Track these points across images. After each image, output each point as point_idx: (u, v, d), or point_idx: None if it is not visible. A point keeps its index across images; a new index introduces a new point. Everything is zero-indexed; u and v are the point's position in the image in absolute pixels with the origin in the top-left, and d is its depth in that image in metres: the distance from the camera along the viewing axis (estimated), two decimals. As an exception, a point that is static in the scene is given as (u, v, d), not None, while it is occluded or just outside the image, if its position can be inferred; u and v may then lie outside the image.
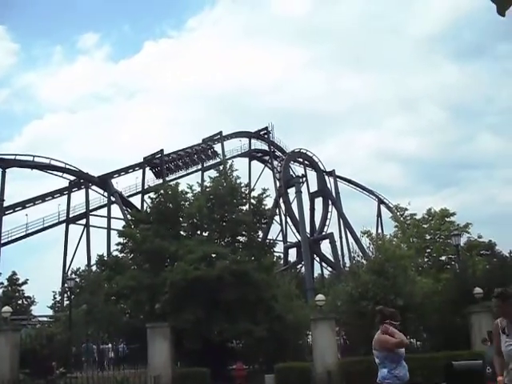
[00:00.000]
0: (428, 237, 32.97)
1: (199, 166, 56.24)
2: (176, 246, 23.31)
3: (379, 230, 55.28)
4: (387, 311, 6.58)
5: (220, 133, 58.35)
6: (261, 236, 28.12)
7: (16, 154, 47.92)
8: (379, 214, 65.27)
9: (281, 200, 58.31)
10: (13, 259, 54.56)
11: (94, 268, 38.22)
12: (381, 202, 65.92)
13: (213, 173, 29.45)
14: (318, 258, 57.40)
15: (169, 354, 20.10)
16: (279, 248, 49.27)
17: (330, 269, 56.60)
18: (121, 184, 52.23)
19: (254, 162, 62.81)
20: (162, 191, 26.44)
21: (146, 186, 51.10)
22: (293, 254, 57.65)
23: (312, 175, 62.52)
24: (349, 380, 18.15)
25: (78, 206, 51.40)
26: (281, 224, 59.85)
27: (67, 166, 49.73)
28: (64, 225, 50.42)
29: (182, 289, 21.31)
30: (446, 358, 15.95)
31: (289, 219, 59.14)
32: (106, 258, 29.70)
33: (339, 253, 55.06)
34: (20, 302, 48.38)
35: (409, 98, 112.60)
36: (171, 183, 31.87)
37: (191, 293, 21.28)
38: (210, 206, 25.00)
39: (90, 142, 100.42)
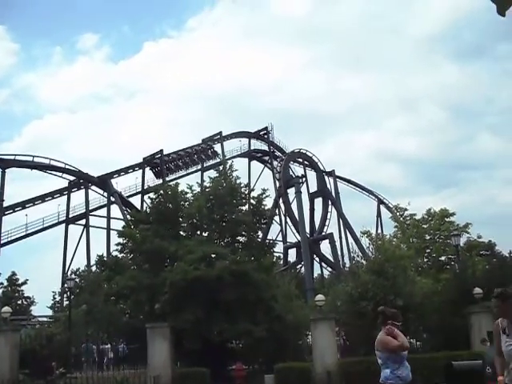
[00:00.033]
0: (428, 237, 32.97)
1: (199, 166, 56.25)
2: (176, 246, 23.30)
3: (379, 231, 55.33)
4: (389, 312, 6.58)
5: (220, 133, 58.36)
6: (260, 236, 28.13)
7: (16, 155, 48.01)
8: (379, 215, 65.30)
9: (280, 200, 58.31)
10: (13, 259, 54.75)
11: (93, 268, 38.21)
12: (380, 202, 65.94)
13: (212, 173, 29.48)
14: (317, 258, 57.41)
15: (168, 354, 20.09)
16: (279, 248, 49.33)
17: (329, 269, 56.62)
18: (120, 184, 52.34)
19: (254, 163, 62.87)
20: (161, 191, 26.43)
21: (145, 187, 51.12)
22: (292, 254, 57.73)
23: (312, 175, 62.62)
24: (348, 380, 18.14)
25: (77, 206, 51.49)
26: (280, 224, 59.91)
27: (67, 167, 49.75)
28: (64, 225, 50.44)
29: (182, 289, 21.30)
30: (445, 358, 15.95)
31: (288, 219, 59.15)
32: (105, 259, 29.70)
33: (339, 253, 55.04)
34: (20, 302, 48.42)
35: (409, 98, 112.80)
36: (171, 183, 31.88)
37: (191, 293, 21.28)
38: (209, 206, 24.99)
39: (89, 142, 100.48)
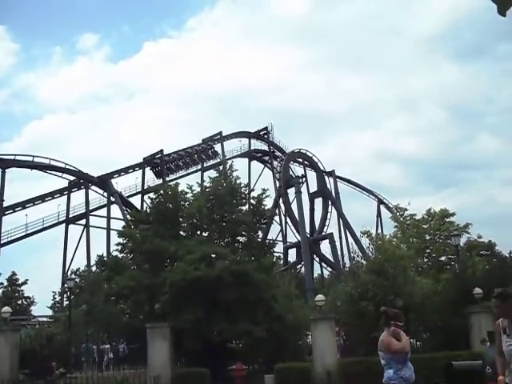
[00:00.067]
0: (428, 237, 32.96)
1: (199, 166, 56.25)
2: (176, 247, 23.30)
3: (379, 231, 55.32)
4: (391, 312, 6.58)
5: (220, 133, 58.37)
6: (260, 236, 28.11)
7: (16, 155, 47.99)
8: (379, 215, 65.31)
9: (280, 200, 58.30)
10: (13, 259, 54.73)
11: (93, 268, 38.24)
12: (380, 202, 65.95)
13: (213, 173, 29.47)
14: (317, 259, 57.41)
15: (168, 354, 20.09)
16: (279, 248, 49.33)
17: (329, 269, 56.63)
18: (120, 184, 52.34)
19: (254, 163, 62.88)
20: (161, 191, 26.42)
21: (145, 187, 51.12)
22: (292, 255, 57.74)
23: (312, 175, 62.63)
24: (348, 380, 18.14)
25: (77, 206, 51.50)
26: (280, 224, 59.92)
27: (67, 167, 49.75)
28: (64, 225, 50.45)
29: (182, 289, 21.30)
30: (445, 358, 15.95)
31: (288, 219, 59.15)
32: (105, 259, 29.74)
33: (339, 253, 55.04)
34: (20, 302, 48.44)
35: (409, 99, 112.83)
36: (171, 183, 31.87)
37: (191, 293, 21.27)
38: (209, 206, 24.99)
39: (89, 142, 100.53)
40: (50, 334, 25.25)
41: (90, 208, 51.33)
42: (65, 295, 42.43)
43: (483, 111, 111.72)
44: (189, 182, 28.36)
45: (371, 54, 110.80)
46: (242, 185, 26.47)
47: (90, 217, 51.47)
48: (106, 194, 51.05)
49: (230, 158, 46.99)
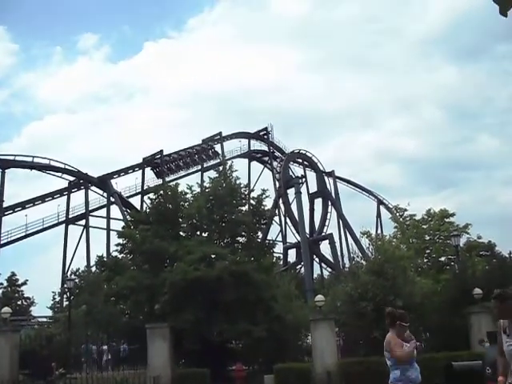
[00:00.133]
0: (427, 237, 32.95)
1: (199, 167, 56.27)
2: (175, 247, 23.30)
3: (379, 231, 55.34)
4: (397, 312, 6.59)
5: (220, 133, 58.40)
6: (260, 237, 28.13)
7: (15, 155, 47.99)
8: (379, 215, 65.33)
9: (280, 201, 58.34)
10: (13, 259, 54.71)
11: (93, 269, 38.19)
12: (380, 202, 65.99)
13: (212, 173, 29.49)
14: (317, 259, 57.42)
15: (168, 354, 20.06)
16: (279, 249, 49.32)
17: (329, 269, 56.62)
18: (120, 184, 52.36)
19: (254, 163, 62.89)
20: (161, 192, 26.42)
21: (145, 187, 51.13)
22: (292, 255, 57.78)
23: (311, 176, 62.66)
24: (348, 380, 18.13)
25: (77, 206, 51.49)
26: (280, 225, 59.93)
27: (67, 167, 49.76)
28: (63, 225, 50.44)
29: (182, 289, 21.29)
30: (445, 359, 15.95)
31: (288, 220, 59.19)
32: (105, 259, 29.69)
33: (339, 253, 55.09)
34: (19, 302, 48.42)
35: (408, 99, 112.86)
36: (170, 184, 31.88)
37: (191, 293, 21.28)
38: (209, 206, 24.99)
39: (89, 142, 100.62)
40: (50, 334, 25.23)
41: (90, 208, 51.32)
42: (64, 296, 42.38)
43: (482, 111, 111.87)
44: (189, 183, 28.45)
45: (371, 55, 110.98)
46: (241, 185, 26.49)
47: (90, 217, 51.48)
48: (105, 195, 51.07)
49: (229, 159, 46.99)
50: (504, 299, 4.85)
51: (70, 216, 50.62)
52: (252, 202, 25.96)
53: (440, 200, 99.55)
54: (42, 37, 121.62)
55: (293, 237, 59.08)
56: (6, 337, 19.46)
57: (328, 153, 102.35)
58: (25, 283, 48.52)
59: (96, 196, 52.14)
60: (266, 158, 63.98)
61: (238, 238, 25.78)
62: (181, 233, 25.82)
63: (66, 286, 35.13)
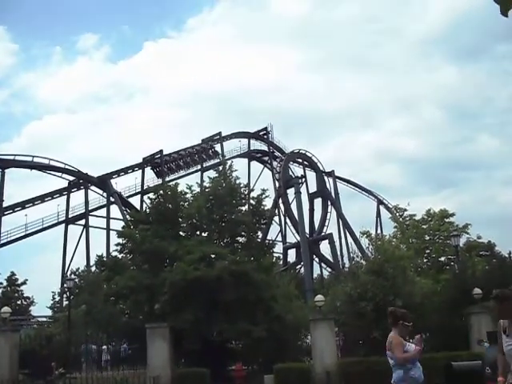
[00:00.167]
0: (427, 237, 32.93)
1: (199, 167, 56.28)
2: (175, 247, 23.28)
3: (378, 231, 55.38)
4: (399, 312, 6.57)
5: (219, 133, 58.42)
6: (260, 236, 28.11)
7: (15, 155, 48.03)
8: (378, 215, 65.38)
9: (280, 200, 58.35)
10: (13, 259, 54.71)
11: (93, 268, 38.18)
12: (380, 202, 66.01)
13: (212, 173, 29.47)
14: (317, 259, 57.44)
15: (168, 354, 20.05)
16: (278, 248, 49.34)
17: (329, 269, 56.64)
18: (120, 184, 52.40)
19: (254, 163, 62.91)
20: (161, 192, 26.41)
21: (145, 187, 51.14)
22: (292, 255, 57.81)
23: (311, 176, 62.69)
24: (348, 380, 18.12)
25: (77, 206, 51.55)
26: (280, 224, 59.94)
27: (66, 167, 49.78)
28: (63, 225, 50.49)
29: (182, 289, 21.29)
30: (445, 359, 15.93)
31: (288, 220, 59.21)
32: (105, 259, 29.68)
33: (338, 253, 55.12)
34: (19, 302, 48.36)
35: (408, 99, 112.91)
36: (170, 183, 31.87)
37: (190, 293, 21.27)
38: (209, 206, 24.98)
39: (89, 142, 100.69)
40: (50, 334, 25.23)
41: (90, 208, 51.35)
42: (64, 295, 42.38)
43: (482, 111, 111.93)
44: (188, 182, 28.42)
45: (371, 55, 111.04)
46: (241, 185, 26.47)
47: (90, 217, 51.53)
48: (105, 195, 51.09)
49: (229, 158, 46.91)
50: (503, 299, 4.85)
51: (70, 216, 50.66)
52: (252, 201, 25.94)
53: (440, 200, 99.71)
54: (41, 37, 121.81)
55: (292, 237, 59.18)
56: (5, 336, 19.46)
57: (328, 153, 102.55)
58: (24, 283, 48.50)
59: (96, 196, 52.26)
60: (266, 158, 63.99)
61: (238, 238, 25.76)
62: (181, 233, 25.81)
63: (65, 285, 35.18)
